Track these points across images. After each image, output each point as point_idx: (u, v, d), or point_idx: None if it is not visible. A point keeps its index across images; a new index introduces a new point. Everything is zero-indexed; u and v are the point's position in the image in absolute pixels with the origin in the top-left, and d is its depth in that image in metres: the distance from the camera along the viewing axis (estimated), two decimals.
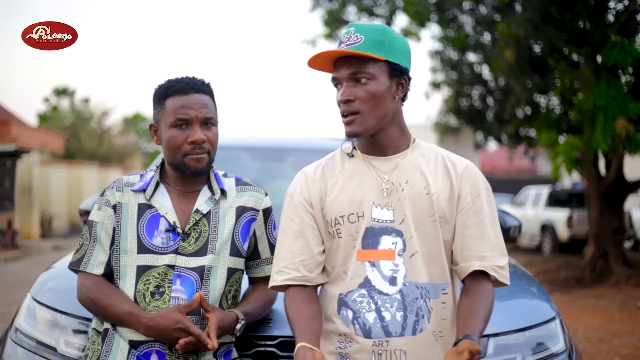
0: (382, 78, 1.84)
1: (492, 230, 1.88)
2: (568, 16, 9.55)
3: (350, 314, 1.86)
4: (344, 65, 1.85)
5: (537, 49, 10.91)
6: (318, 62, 1.89)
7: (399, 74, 1.87)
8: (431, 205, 1.85)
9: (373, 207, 1.87)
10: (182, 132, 2.03)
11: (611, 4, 10.11)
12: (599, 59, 9.85)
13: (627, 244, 15.52)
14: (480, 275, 1.85)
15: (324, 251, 1.93)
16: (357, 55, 1.82)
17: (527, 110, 12.43)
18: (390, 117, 1.88)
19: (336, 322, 1.87)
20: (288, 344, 2.19)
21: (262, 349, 2.20)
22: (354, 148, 1.96)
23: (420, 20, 13.07)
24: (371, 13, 14.03)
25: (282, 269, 1.92)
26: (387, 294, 1.83)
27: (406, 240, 1.85)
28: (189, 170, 2.05)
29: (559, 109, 11.95)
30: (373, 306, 1.83)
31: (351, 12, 14.31)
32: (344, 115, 1.87)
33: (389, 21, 13.91)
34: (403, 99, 1.91)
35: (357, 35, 1.84)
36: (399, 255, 1.84)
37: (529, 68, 10.59)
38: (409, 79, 1.90)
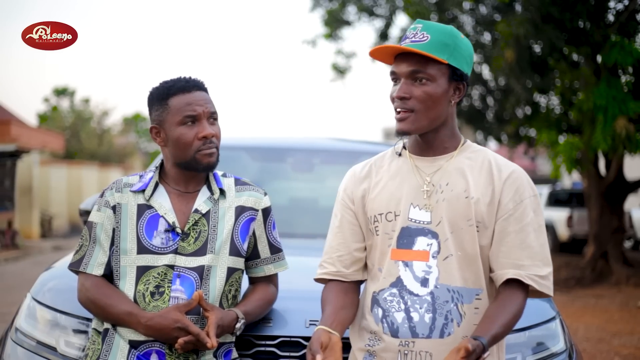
0: (442, 81, 1.84)
1: (536, 239, 1.84)
2: (568, 16, 9.55)
3: (380, 312, 1.87)
4: (405, 62, 1.84)
5: (537, 48, 10.90)
6: (379, 53, 1.89)
7: (459, 79, 1.86)
8: (469, 209, 1.83)
9: (411, 207, 1.87)
10: (191, 129, 2.04)
11: (611, 4, 10.11)
12: (599, 59, 9.85)
13: (627, 244, 15.52)
14: (514, 283, 1.82)
15: (365, 248, 1.96)
16: (421, 54, 1.81)
17: (527, 110, 12.43)
18: (443, 120, 1.88)
19: (368, 320, 1.89)
20: (288, 344, 2.19)
21: (262, 348, 2.20)
22: (404, 147, 1.97)
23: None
24: (371, 13, 14.02)
25: (322, 263, 1.98)
26: (417, 295, 1.82)
27: (441, 243, 1.83)
28: (201, 165, 2.06)
29: (559, 108, 11.95)
30: (402, 306, 1.83)
31: (351, 12, 14.30)
32: (397, 112, 1.86)
33: (389, 21, 13.91)
34: (459, 103, 1.91)
35: (423, 33, 1.83)
36: (432, 257, 1.83)
37: (529, 68, 10.59)
38: (468, 84, 1.90)
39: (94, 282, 2.04)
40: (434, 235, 1.84)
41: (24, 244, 17.72)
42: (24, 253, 16.14)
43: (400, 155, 1.96)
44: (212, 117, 2.08)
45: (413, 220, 1.86)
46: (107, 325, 2.03)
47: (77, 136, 31.32)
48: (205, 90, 2.11)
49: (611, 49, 8.99)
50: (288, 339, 2.18)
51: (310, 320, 2.20)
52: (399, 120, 1.85)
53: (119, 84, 75.23)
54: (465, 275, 1.83)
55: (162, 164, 2.17)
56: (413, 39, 1.83)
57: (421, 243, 1.84)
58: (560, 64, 10.37)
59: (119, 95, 79.36)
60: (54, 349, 2.29)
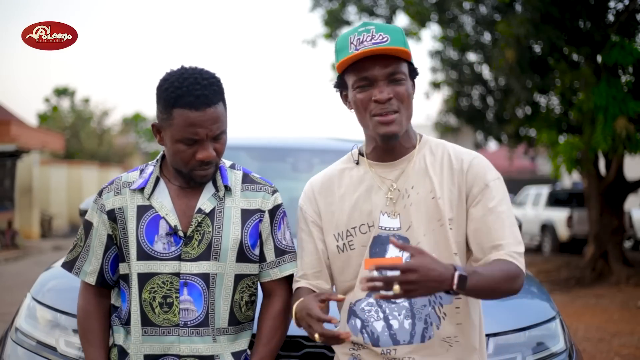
0: (408, 78, 1.84)
1: (507, 219, 1.81)
2: (568, 16, 9.56)
3: (358, 322, 1.85)
4: (378, 65, 1.79)
5: (537, 48, 10.91)
6: (347, 63, 1.83)
7: (414, 76, 1.87)
8: (437, 210, 1.82)
9: (381, 215, 1.85)
10: (190, 148, 1.90)
11: (611, 4, 10.12)
12: (599, 58, 9.85)
13: (627, 244, 15.52)
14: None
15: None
16: (391, 54, 1.78)
17: (527, 110, 12.42)
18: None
19: (348, 330, 1.86)
20: (288, 344, 2.18)
21: None
22: (361, 154, 1.94)
23: (420, 20, 13.08)
24: (371, 13, 14.02)
25: (296, 279, 1.97)
26: (395, 302, 1.81)
27: None
28: (194, 182, 1.97)
29: (559, 109, 11.94)
30: (381, 315, 1.82)
31: (351, 12, 14.30)
32: (382, 115, 1.80)
33: (389, 21, 13.90)
34: None
35: (380, 34, 1.78)
36: (406, 262, 1.78)
37: (529, 68, 10.59)
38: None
39: (85, 303, 2.03)
40: (405, 241, 1.81)
41: (24, 244, 17.72)
42: (24, 253, 16.14)
43: (357, 163, 1.93)
44: (216, 137, 1.92)
45: (384, 228, 1.84)
46: (117, 342, 2.02)
47: (77, 136, 31.33)
48: (217, 102, 1.89)
49: (611, 49, 8.99)
50: (288, 339, 2.16)
51: None
52: (388, 123, 1.79)
53: (119, 84, 75.29)
54: None
55: (163, 157, 2.05)
56: (374, 41, 1.78)
57: (393, 250, 1.82)
58: (560, 64, 10.37)
59: (119, 95, 79.38)
60: (54, 349, 2.29)
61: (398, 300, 1.79)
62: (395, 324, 1.81)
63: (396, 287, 1.52)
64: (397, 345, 1.80)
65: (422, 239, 1.81)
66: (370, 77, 1.80)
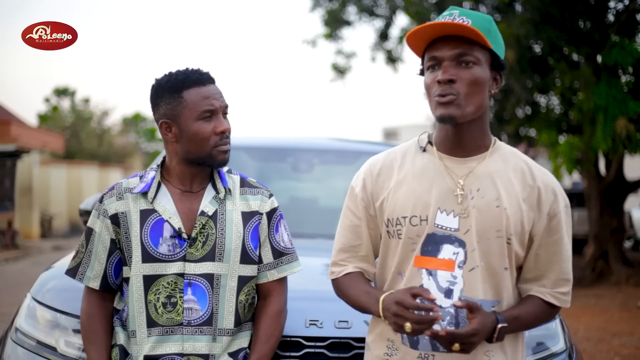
0: (485, 66, 1.73)
1: (566, 252, 1.79)
2: (568, 16, 9.56)
3: None
4: (448, 45, 1.70)
5: (537, 48, 10.91)
6: (418, 38, 1.74)
7: (498, 68, 1.77)
8: (500, 220, 1.73)
9: (438, 212, 1.75)
10: (209, 123, 1.97)
11: (611, 4, 10.12)
12: (599, 59, 9.85)
13: (627, 244, 15.51)
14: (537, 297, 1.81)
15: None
16: (466, 36, 1.69)
17: (527, 110, 12.42)
18: (483, 111, 1.76)
19: (387, 326, 1.78)
20: (288, 344, 2.18)
21: None
22: (429, 142, 1.84)
23: (420, 20, 13.06)
24: (371, 13, 14.02)
25: (339, 262, 1.88)
26: (440, 306, 1.71)
27: (468, 252, 1.73)
28: (216, 162, 2.00)
29: (559, 109, 11.94)
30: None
31: (351, 12, 14.30)
32: (440, 96, 1.70)
33: (389, 21, 13.91)
34: (491, 97, 1.79)
35: (462, 18, 1.70)
36: (458, 267, 1.72)
37: (529, 68, 10.59)
38: (502, 77, 1.80)
39: (89, 310, 2.04)
40: (461, 244, 1.73)
41: (24, 244, 17.72)
42: (24, 253, 16.14)
43: (424, 150, 1.83)
44: (225, 111, 2.03)
45: (440, 227, 1.74)
46: (119, 342, 2.03)
47: (77, 136, 31.33)
48: (215, 82, 2.04)
49: (611, 49, 8.99)
50: (288, 339, 2.16)
51: (310, 320, 2.19)
52: (444, 104, 1.70)
53: (119, 84, 75.33)
54: (486, 287, 1.74)
55: (163, 162, 2.09)
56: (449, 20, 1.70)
57: (447, 251, 1.73)
58: (560, 64, 10.37)
59: (119, 95, 79.43)
60: (54, 349, 2.28)
61: (444, 305, 1.72)
62: (437, 329, 1.67)
63: (457, 346, 1.63)
64: (436, 352, 1.73)
65: (476, 246, 1.73)
66: (438, 57, 1.72)
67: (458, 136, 1.77)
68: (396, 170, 1.83)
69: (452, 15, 1.72)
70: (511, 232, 1.73)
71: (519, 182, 1.77)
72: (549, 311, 1.81)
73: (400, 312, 1.64)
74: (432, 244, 1.75)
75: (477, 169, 1.77)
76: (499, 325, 1.66)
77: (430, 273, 1.74)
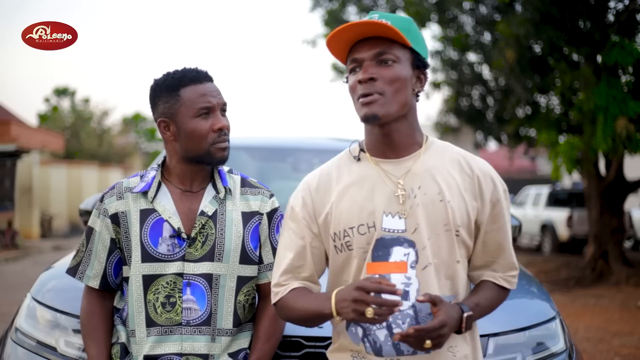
0: (406, 65, 1.74)
1: (510, 236, 1.83)
2: (568, 16, 9.55)
3: (360, 331, 1.75)
4: (367, 45, 1.72)
5: (537, 48, 10.91)
6: (338, 42, 1.75)
7: (421, 67, 1.78)
8: (445, 214, 1.73)
9: (384, 216, 1.74)
10: (206, 120, 1.97)
11: (611, 4, 10.12)
12: (599, 59, 9.85)
13: (627, 244, 15.52)
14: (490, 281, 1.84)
15: (324, 268, 1.86)
16: (384, 36, 1.71)
17: (527, 110, 12.42)
18: (408, 109, 1.76)
19: (347, 340, 1.78)
20: (288, 344, 2.19)
21: None
22: (362, 150, 1.83)
23: (420, 20, 13.06)
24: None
25: (282, 282, 1.82)
26: (399, 310, 1.68)
27: (419, 251, 1.72)
28: (215, 159, 2.00)
29: (559, 109, 11.94)
30: (384, 323, 1.70)
31: (351, 12, 14.31)
32: (363, 96, 1.71)
33: None
34: (417, 96, 1.80)
35: (382, 20, 1.72)
36: (411, 267, 1.71)
37: (529, 68, 10.59)
38: (426, 77, 1.81)
39: (88, 305, 2.05)
40: (411, 244, 1.72)
41: (24, 244, 17.72)
42: (24, 253, 16.14)
43: (359, 159, 1.83)
44: (223, 108, 2.03)
45: (387, 230, 1.73)
46: (120, 340, 2.03)
47: (77, 136, 31.33)
48: (213, 80, 2.05)
49: (611, 49, 8.98)
50: (288, 339, 2.17)
51: None
52: (367, 104, 1.70)
53: (119, 84, 75.30)
54: (442, 283, 1.74)
55: (163, 162, 2.09)
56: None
57: (397, 254, 1.72)
58: (560, 64, 10.37)
59: (119, 95, 79.42)
60: (54, 349, 2.28)
61: (402, 308, 1.70)
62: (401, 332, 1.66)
63: (428, 342, 1.61)
64: (401, 356, 1.71)
65: (427, 243, 1.72)
66: (358, 59, 1.74)
67: (387, 137, 1.78)
68: (334, 183, 1.82)
69: (372, 19, 1.74)
70: (458, 223, 1.75)
71: (458, 174, 1.79)
72: (502, 295, 1.84)
73: (361, 297, 1.59)
74: (382, 248, 1.73)
75: (415, 167, 1.77)
76: (465, 314, 1.68)
77: (384, 278, 1.70)
